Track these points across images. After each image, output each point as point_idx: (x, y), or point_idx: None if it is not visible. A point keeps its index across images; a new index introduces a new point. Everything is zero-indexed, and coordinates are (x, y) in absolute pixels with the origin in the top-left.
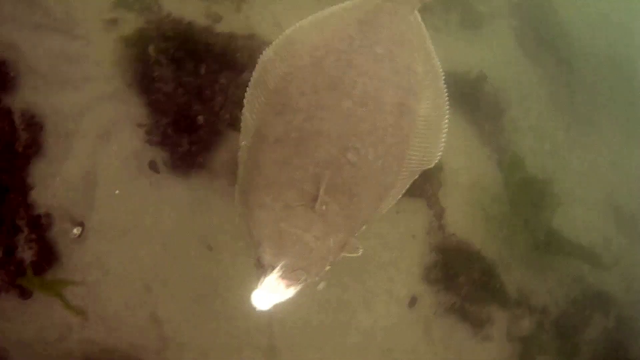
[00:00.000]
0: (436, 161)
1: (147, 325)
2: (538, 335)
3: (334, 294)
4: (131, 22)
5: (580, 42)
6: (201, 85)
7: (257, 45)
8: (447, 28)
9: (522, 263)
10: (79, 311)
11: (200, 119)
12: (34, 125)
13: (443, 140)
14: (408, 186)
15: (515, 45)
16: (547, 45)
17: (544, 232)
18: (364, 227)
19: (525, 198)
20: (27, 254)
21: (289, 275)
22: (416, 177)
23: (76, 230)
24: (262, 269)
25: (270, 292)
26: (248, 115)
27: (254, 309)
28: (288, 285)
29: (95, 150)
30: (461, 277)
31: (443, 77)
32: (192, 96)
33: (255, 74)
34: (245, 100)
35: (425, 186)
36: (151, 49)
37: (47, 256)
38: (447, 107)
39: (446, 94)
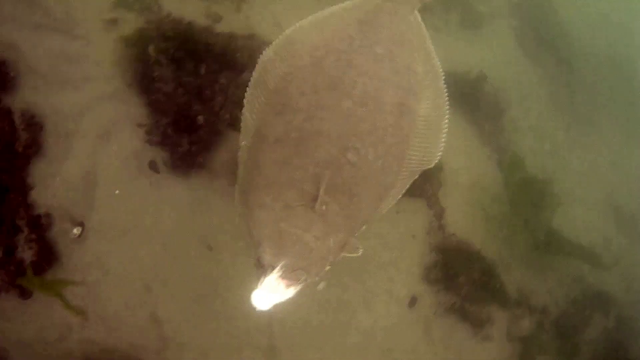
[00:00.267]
0: (436, 161)
1: (147, 325)
2: (538, 335)
3: (334, 294)
4: (131, 22)
5: (580, 42)
6: (201, 85)
7: (257, 45)
8: (447, 28)
9: (522, 263)
10: (79, 311)
11: (200, 119)
12: (34, 125)
13: (443, 140)
14: (408, 186)
15: (515, 45)
16: (547, 45)
17: (544, 232)
18: (364, 227)
19: (525, 198)
20: (27, 254)
21: (289, 275)
22: (416, 177)
23: (76, 230)
24: (262, 269)
25: (271, 292)
26: (248, 116)
27: (254, 309)
28: (288, 285)
29: (95, 150)
30: (461, 277)
31: (443, 77)
32: (192, 96)
33: (255, 74)
34: (245, 101)
35: (425, 186)
36: (151, 49)
37: (47, 256)
38: (447, 107)
39: (446, 94)
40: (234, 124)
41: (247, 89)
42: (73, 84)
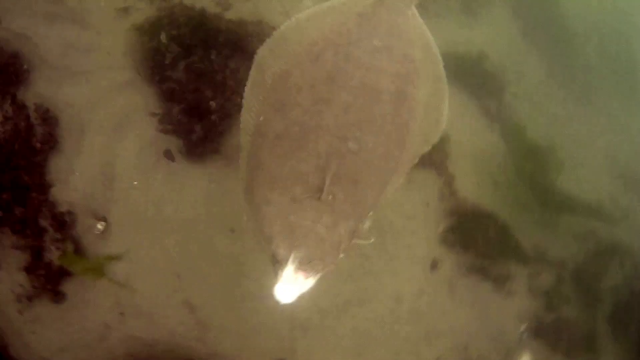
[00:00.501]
0: (435, 142)
1: (183, 313)
2: (559, 288)
3: (357, 265)
4: (143, 11)
5: (576, 21)
6: (212, 70)
7: (266, 31)
8: (449, 14)
9: (534, 223)
10: (122, 284)
11: (213, 104)
12: (49, 119)
13: (443, 124)
14: (409, 170)
15: (514, 27)
16: (544, 25)
17: (552, 194)
18: (371, 212)
19: (530, 164)
20: (54, 255)
21: (306, 266)
22: (416, 161)
23: (100, 226)
24: (278, 264)
25: (291, 285)
26: (247, 115)
27: (278, 303)
28: (306, 276)
29: (110, 143)
30: (477, 238)
31: (442, 64)
32: (203, 82)
33: (251, 73)
34: (243, 101)
35: (433, 157)
36: (163, 36)
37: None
38: (447, 92)
39: (445, 80)
40: None
41: (245, 88)
42: (85, 75)
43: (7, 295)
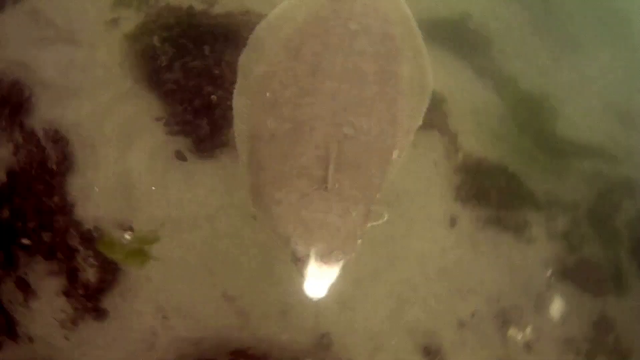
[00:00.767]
0: (424, 111)
1: (223, 306)
2: (576, 229)
3: (378, 232)
4: (132, 19)
5: None
6: (208, 65)
7: (255, 20)
8: None
9: (542, 171)
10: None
11: (214, 98)
12: (59, 140)
13: (429, 96)
14: (409, 145)
15: None
16: None
17: (553, 141)
18: (378, 194)
19: (527, 115)
20: (89, 273)
21: (327, 258)
22: (412, 136)
23: (127, 235)
24: (300, 262)
25: (318, 280)
26: (239, 122)
27: (311, 299)
28: (331, 268)
29: (122, 153)
30: (490, 191)
31: (421, 35)
32: (201, 78)
33: (238, 81)
34: (233, 111)
35: (433, 118)
36: (155, 40)
37: (110, 268)
38: (429, 64)
39: (425, 51)
40: None
41: (232, 97)
42: (86, 91)
43: (51, 324)
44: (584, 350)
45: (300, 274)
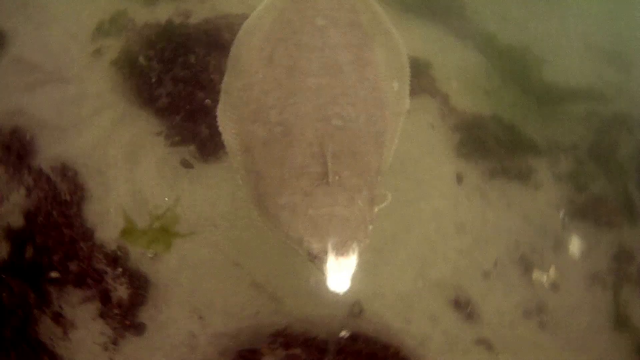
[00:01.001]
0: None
1: (254, 295)
2: (580, 168)
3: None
4: (114, 46)
5: None
6: (196, 72)
7: (232, 22)
8: None
9: (537, 118)
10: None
11: (208, 101)
12: (68, 174)
13: (408, 76)
14: (400, 126)
15: None
16: None
17: (543, 88)
18: (379, 177)
19: (512, 67)
20: (121, 291)
21: (343, 250)
22: (402, 118)
23: (150, 254)
24: (317, 259)
25: (340, 273)
26: (229, 138)
27: (337, 295)
28: (348, 258)
29: (130, 173)
30: (490, 143)
31: (388, 19)
32: (192, 86)
33: (220, 101)
34: (220, 128)
35: (422, 83)
36: (141, 59)
37: (141, 282)
38: (402, 45)
39: (394, 32)
40: None
41: (217, 116)
42: (84, 122)
43: (94, 349)
44: (609, 283)
45: (320, 271)
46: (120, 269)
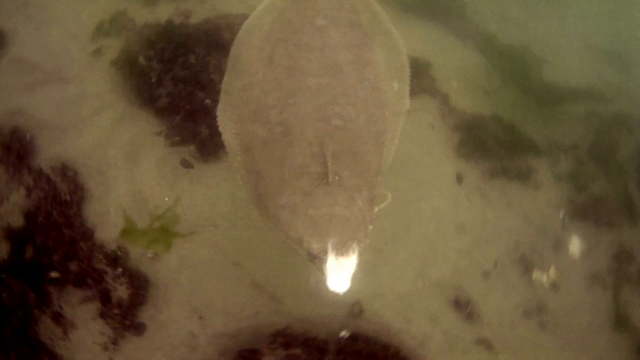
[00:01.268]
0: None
1: (254, 294)
2: (580, 168)
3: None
4: (114, 46)
5: None
6: (196, 72)
7: (232, 22)
8: None
9: (537, 118)
10: (191, 233)
11: (208, 101)
12: (68, 174)
13: (408, 76)
14: (400, 126)
15: None
16: None
17: (543, 88)
18: (379, 177)
19: (512, 67)
20: (121, 291)
21: (343, 250)
22: (402, 118)
23: (150, 254)
24: (317, 259)
25: (340, 273)
26: (229, 138)
27: (338, 294)
28: (348, 258)
29: (130, 173)
30: (490, 143)
31: (388, 20)
32: (192, 86)
33: (220, 101)
34: (220, 128)
35: (422, 83)
36: (141, 59)
37: (141, 283)
38: (402, 45)
39: (394, 32)
40: None
41: (217, 116)
42: (84, 122)
43: (94, 349)
44: (609, 283)
45: (320, 271)
46: (120, 269)
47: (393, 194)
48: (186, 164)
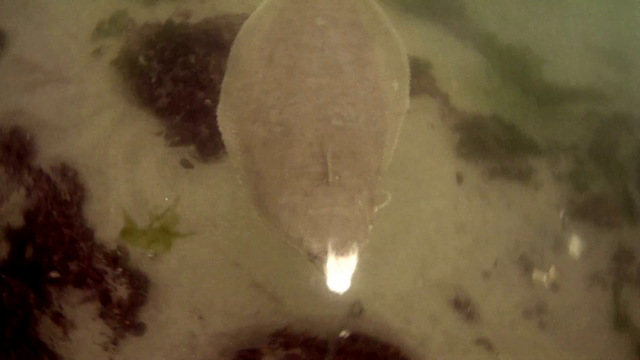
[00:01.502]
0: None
1: (254, 294)
2: (580, 168)
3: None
4: (114, 46)
5: None
6: (196, 72)
7: (232, 22)
8: None
9: (537, 118)
10: (191, 232)
11: (208, 102)
12: (68, 173)
13: (408, 76)
14: (400, 126)
15: None
16: None
17: (543, 88)
18: (379, 177)
19: (512, 67)
20: (121, 291)
21: (343, 250)
22: (402, 118)
23: (150, 254)
24: (317, 259)
25: (340, 273)
26: (229, 138)
27: (338, 294)
28: (348, 258)
29: (130, 173)
30: (490, 143)
31: (388, 19)
32: (192, 86)
33: (220, 101)
34: (220, 128)
35: (422, 83)
36: (141, 59)
37: (140, 283)
38: (402, 45)
39: (394, 32)
40: None
41: (217, 116)
42: (84, 122)
43: (94, 349)
44: (609, 283)
45: (320, 272)
46: (120, 269)
47: (393, 194)
48: (186, 164)
